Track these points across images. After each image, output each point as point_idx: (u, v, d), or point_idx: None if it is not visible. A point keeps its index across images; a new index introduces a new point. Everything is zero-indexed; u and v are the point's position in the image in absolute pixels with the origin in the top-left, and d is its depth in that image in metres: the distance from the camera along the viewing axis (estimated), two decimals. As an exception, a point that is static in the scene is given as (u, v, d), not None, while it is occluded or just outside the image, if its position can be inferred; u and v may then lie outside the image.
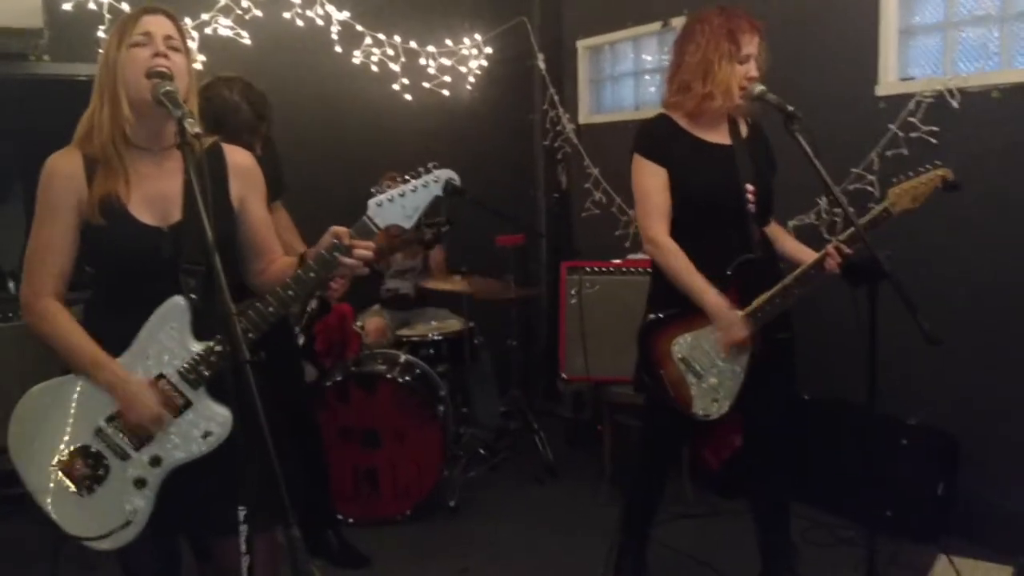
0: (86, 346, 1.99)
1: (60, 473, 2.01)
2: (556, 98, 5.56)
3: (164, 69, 1.93)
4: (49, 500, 2.01)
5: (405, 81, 5.09)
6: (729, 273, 2.78)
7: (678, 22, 4.79)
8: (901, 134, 3.65)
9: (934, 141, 3.55)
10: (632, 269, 4.16)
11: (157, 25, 1.99)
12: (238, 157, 2.17)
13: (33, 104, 4.64)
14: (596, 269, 4.15)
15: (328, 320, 3.80)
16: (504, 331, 4.83)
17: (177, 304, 2.00)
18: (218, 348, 1.97)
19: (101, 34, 4.17)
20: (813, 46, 3.93)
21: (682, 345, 2.82)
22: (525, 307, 5.23)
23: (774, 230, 3.01)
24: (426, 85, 5.20)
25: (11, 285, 4.21)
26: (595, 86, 5.64)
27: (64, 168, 2.01)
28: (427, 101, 5.22)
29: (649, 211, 2.84)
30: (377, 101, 5.08)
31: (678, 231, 2.83)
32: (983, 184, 3.37)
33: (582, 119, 5.57)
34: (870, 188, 3.78)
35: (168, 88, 1.91)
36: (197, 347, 2.00)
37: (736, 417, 2.96)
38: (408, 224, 2.03)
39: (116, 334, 2.00)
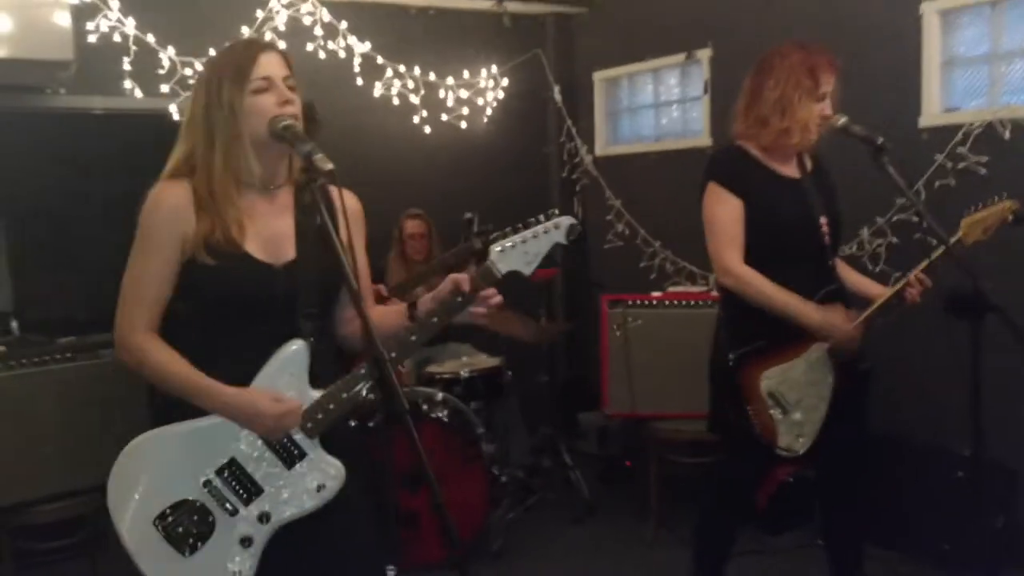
0: (191, 375, 1.87)
1: (160, 531, 1.87)
2: (573, 130, 5.52)
3: (292, 120, 1.85)
4: (147, 560, 1.87)
5: (424, 114, 5.05)
6: (818, 299, 2.74)
7: (703, 54, 4.80)
8: (948, 164, 3.65)
9: (983, 172, 3.56)
10: (674, 302, 4.10)
11: (275, 67, 1.90)
12: (350, 200, 2.04)
13: (41, 137, 4.51)
14: (638, 303, 4.08)
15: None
16: (528, 365, 4.75)
17: (299, 348, 1.91)
18: (345, 396, 1.87)
19: (127, 66, 4.05)
20: (855, 78, 3.88)
21: (771, 379, 2.75)
22: (551, 343, 5.14)
23: (836, 264, 2.98)
24: (444, 118, 5.16)
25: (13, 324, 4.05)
26: (612, 118, 5.62)
27: (171, 200, 1.89)
28: (445, 133, 5.18)
29: (724, 241, 2.79)
30: (397, 134, 5.03)
31: (755, 265, 2.77)
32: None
33: (599, 151, 5.55)
34: (915, 218, 3.76)
35: (287, 122, 1.82)
36: (315, 394, 1.89)
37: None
38: (528, 271, 1.94)
39: (226, 378, 1.88)
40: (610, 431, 5.17)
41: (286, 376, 1.90)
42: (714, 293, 4.36)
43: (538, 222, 1.94)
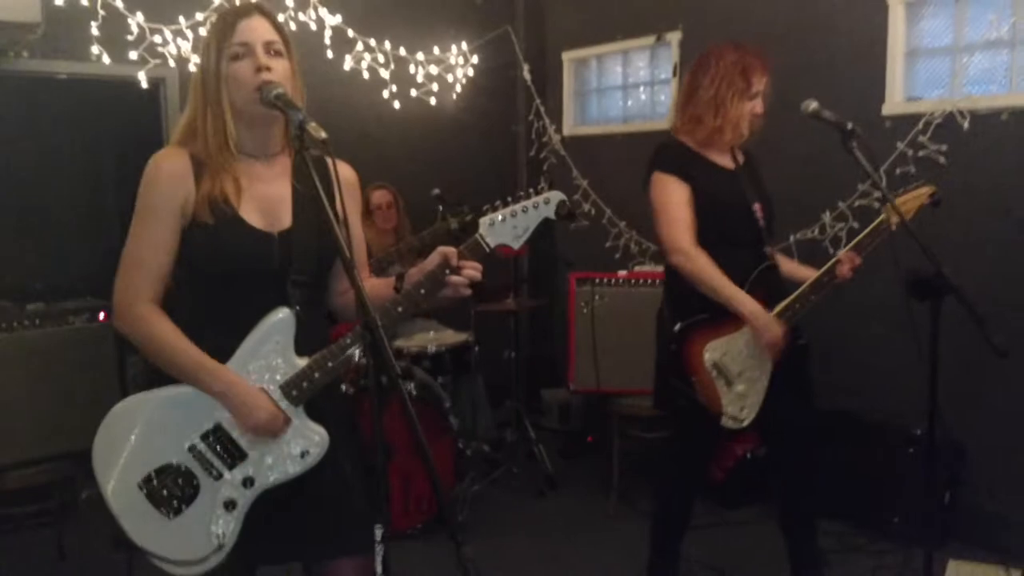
0: (191, 352, 1.86)
1: (145, 493, 1.88)
2: (541, 109, 5.56)
3: (269, 84, 1.83)
4: (130, 522, 1.88)
5: (393, 88, 5.04)
6: (753, 277, 2.86)
7: (673, 37, 4.86)
8: (909, 152, 3.76)
9: (943, 160, 3.68)
10: (640, 281, 4.18)
11: (254, 32, 1.88)
12: (345, 170, 2.04)
13: (4, 100, 4.43)
14: (605, 281, 4.15)
15: (335, 335, 3.69)
16: (494, 341, 4.80)
17: (285, 316, 1.91)
18: (331, 365, 1.89)
19: (94, 31, 3.99)
20: (821, 67, 4.02)
21: (714, 351, 2.86)
22: (517, 319, 5.19)
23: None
24: (414, 93, 5.16)
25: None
26: (580, 98, 5.66)
27: (171, 167, 1.89)
28: (414, 109, 5.18)
29: (674, 223, 2.90)
30: (366, 108, 5.01)
31: (700, 247, 2.89)
32: (993, 202, 3.51)
33: (566, 131, 5.59)
34: (876, 204, 3.88)
35: (279, 91, 1.82)
36: (300, 362, 1.91)
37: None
38: (517, 245, 1.96)
39: (213, 343, 1.89)
40: (572, 407, 5.25)
41: (271, 343, 1.91)
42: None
43: (528, 196, 1.96)
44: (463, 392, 4.46)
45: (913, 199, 2.78)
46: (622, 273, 4.30)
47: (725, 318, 2.84)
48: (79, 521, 3.68)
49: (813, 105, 2.76)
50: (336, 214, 1.71)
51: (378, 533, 1.65)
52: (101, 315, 3.46)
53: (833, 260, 2.81)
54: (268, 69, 1.86)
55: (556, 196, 1.97)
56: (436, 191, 4.36)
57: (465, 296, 1.98)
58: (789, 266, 3.09)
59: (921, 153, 3.73)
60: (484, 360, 4.68)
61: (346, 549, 1.99)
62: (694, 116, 2.92)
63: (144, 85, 4.22)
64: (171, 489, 1.88)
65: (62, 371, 3.31)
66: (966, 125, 3.60)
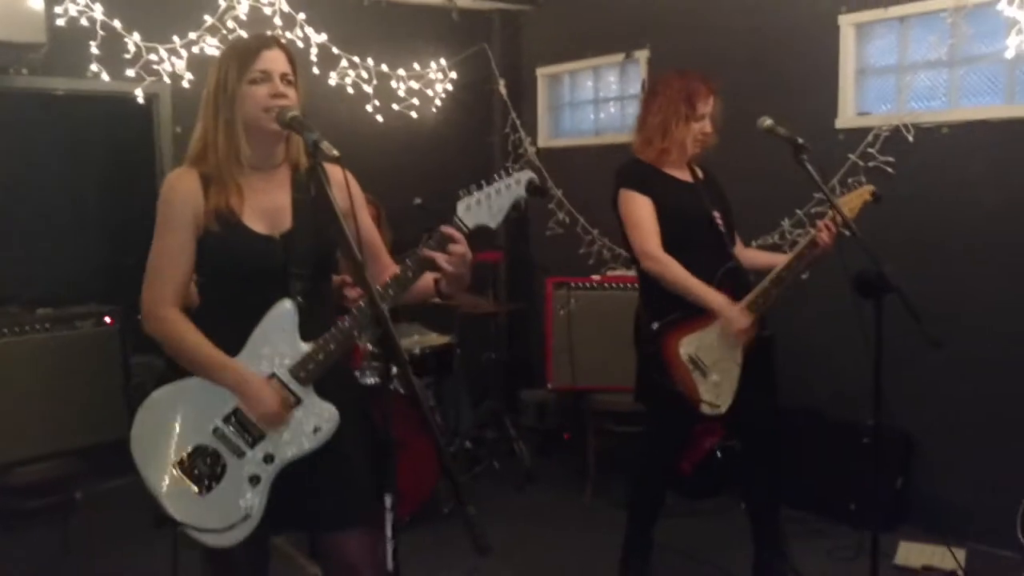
0: (209, 350, 2.10)
1: (180, 473, 2.11)
2: (517, 122, 5.82)
3: (286, 108, 2.09)
4: (171, 500, 2.11)
5: (377, 103, 5.27)
6: (719, 276, 3.14)
7: (641, 54, 5.13)
8: (861, 163, 4.05)
9: (890, 171, 3.97)
10: (613, 284, 4.43)
11: (275, 63, 2.14)
12: (336, 173, 2.20)
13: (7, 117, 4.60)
14: (580, 284, 4.41)
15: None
16: (474, 343, 5.03)
17: (287, 307, 2.15)
18: (333, 347, 2.12)
19: (94, 50, 4.19)
20: (778, 84, 4.31)
21: (688, 345, 3.12)
22: (496, 321, 5.45)
23: (738, 250, 3.36)
24: (396, 107, 5.39)
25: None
26: (553, 112, 5.93)
27: (183, 185, 2.15)
28: (396, 122, 5.41)
29: (644, 232, 3.19)
30: (350, 122, 5.23)
31: (666, 251, 3.16)
32: (936, 209, 3.81)
33: (541, 143, 5.85)
34: (830, 210, 4.16)
35: (295, 114, 2.07)
36: (305, 347, 2.14)
37: (708, 422, 3.33)
38: (494, 224, 2.10)
39: (228, 337, 2.13)
40: (548, 406, 5.48)
41: (278, 332, 2.14)
42: (649, 277, 4.72)
43: (500, 179, 2.10)
44: (446, 392, 4.68)
45: (856, 197, 3.06)
46: (596, 277, 4.55)
47: (697, 315, 3.10)
48: (83, 515, 3.86)
49: (768, 122, 3.04)
50: (343, 219, 1.94)
51: (388, 501, 1.87)
52: (107, 319, 3.67)
53: (813, 234, 3.03)
54: (284, 96, 2.12)
55: (525, 175, 2.09)
56: (418, 200, 4.58)
57: (460, 273, 2.14)
58: (751, 255, 3.39)
59: (871, 164, 4.03)
60: (465, 362, 4.91)
61: (350, 522, 2.22)
62: (646, 139, 3.24)
63: (141, 101, 4.42)
64: (201, 468, 2.11)
65: (70, 373, 3.50)
66: (911, 138, 3.90)
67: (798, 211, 4.33)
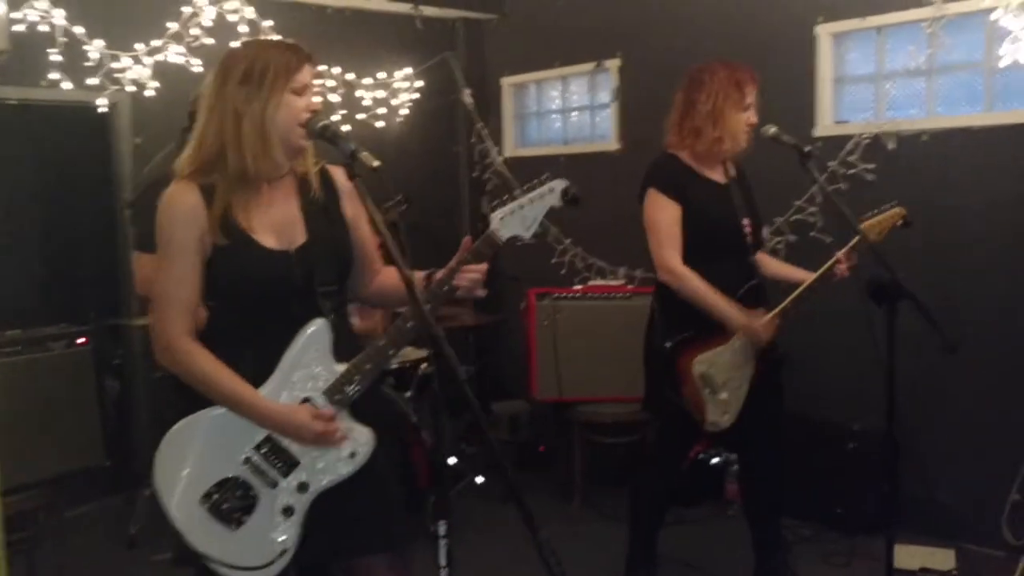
0: (229, 384, 1.98)
1: (207, 508, 1.98)
2: (483, 132, 5.76)
3: (316, 116, 2.03)
4: (195, 536, 1.98)
5: (343, 112, 5.16)
6: (740, 297, 3.08)
7: (612, 64, 5.12)
8: (840, 171, 4.10)
9: (870, 178, 4.03)
10: (595, 295, 4.40)
11: (311, 76, 2.04)
12: (342, 177, 2.16)
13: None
14: (563, 295, 4.36)
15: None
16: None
17: (320, 326, 2.04)
18: (369, 367, 2.02)
19: (55, 57, 3.99)
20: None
21: (702, 364, 3.08)
22: (475, 333, 5.38)
23: (759, 257, 3.34)
24: (360, 116, 5.29)
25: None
26: (520, 121, 5.88)
27: (185, 201, 1.99)
28: (362, 131, 5.28)
29: (664, 241, 3.11)
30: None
31: (689, 262, 3.11)
32: (917, 214, 3.85)
33: (508, 152, 5.80)
34: (811, 219, 4.22)
35: (327, 122, 1.98)
36: (340, 368, 2.03)
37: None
38: (528, 234, 2.07)
39: (252, 364, 2.01)
40: (521, 419, 5.42)
41: (311, 353, 2.03)
42: (629, 286, 4.71)
43: (533, 188, 2.07)
44: (425, 407, 4.58)
45: (886, 219, 3.05)
46: (578, 287, 4.52)
47: (712, 332, 3.05)
48: (49, 549, 3.66)
49: (773, 129, 3.04)
50: (384, 226, 1.86)
51: (442, 528, 1.79)
52: (80, 340, 3.47)
53: (832, 260, 3.01)
54: (318, 110, 2.04)
55: (560, 184, 2.06)
56: (398, 198, 4.44)
57: (478, 296, 2.14)
58: (775, 266, 3.32)
59: (851, 172, 4.08)
60: (441, 375, 4.81)
61: (383, 546, 2.13)
62: (693, 129, 3.09)
63: (103, 110, 4.23)
64: (231, 502, 1.98)
65: (41, 397, 3.30)
66: (891, 145, 3.96)
67: (778, 219, 4.35)
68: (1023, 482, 3.68)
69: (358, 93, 5.24)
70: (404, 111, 5.48)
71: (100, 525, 4.23)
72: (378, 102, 5.34)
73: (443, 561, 1.81)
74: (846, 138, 4.10)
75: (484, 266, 2.09)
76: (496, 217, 2.06)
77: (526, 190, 2.08)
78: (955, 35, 3.82)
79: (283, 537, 2.00)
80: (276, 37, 4.70)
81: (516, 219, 2.06)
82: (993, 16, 3.48)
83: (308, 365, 2.03)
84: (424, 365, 4.37)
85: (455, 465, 4.69)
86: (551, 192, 2.06)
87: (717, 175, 3.20)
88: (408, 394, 4.32)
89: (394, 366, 4.41)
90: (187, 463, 1.99)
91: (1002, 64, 3.50)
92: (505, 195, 2.10)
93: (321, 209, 2.11)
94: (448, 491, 1.88)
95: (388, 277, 2.25)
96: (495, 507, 4.47)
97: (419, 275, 2.17)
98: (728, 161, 3.24)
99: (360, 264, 2.22)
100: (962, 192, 3.82)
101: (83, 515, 4.31)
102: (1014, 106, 3.74)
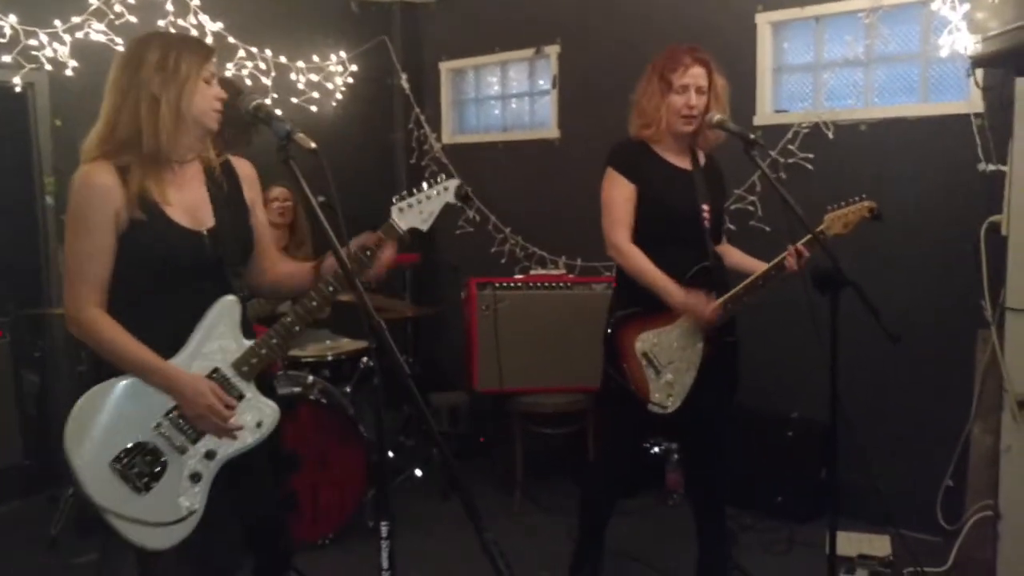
0: (136, 351, 2.05)
1: (117, 472, 2.04)
2: (421, 117, 5.65)
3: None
4: (105, 500, 2.02)
5: (275, 96, 5.00)
6: (689, 277, 3.05)
7: (551, 50, 5.06)
8: (781, 160, 4.11)
9: (810, 167, 4.05)
10: (537, 284, 4.33)
11: (215, 67, 2.21)
12: (244, 168, 2.34)
13: None
14: (504, 284, 4.29)
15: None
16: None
17: (232, 302, 2.15)
18: (275, 341, 2.14)
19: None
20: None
21: (645, 341, 3.05)
22: (415, 324, 5.27)
23: (724, 248, 3.32)
24: (295, 100, 5.13)
25: None
26: (458, 107, 5.78)
27: (100, 181, 2.06)
28: (295, 116, 5.13)
29: (613, 220, 3.08)
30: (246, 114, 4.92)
31: (641, 242, 3.07)
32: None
33: (446, 139, 5.70)
34: (751, 208, 4.22)
35: (260, 101, 1.97)
36: (247, 342, 2.17)
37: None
38: (425, 227, 2.23)
39: (163, 334, 2.09)
40: (460, 410, 5.35)
41: (221, 327, 2.14)
42: (571, 276, 4.67)
43: (430, 186, 2.23)
44: (364, 400, 4.47)
45: (854, 212, 3.00)
46: (519, 277, 4.45)
47: (659, 311, 3.02)
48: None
49: (718, 116, 3.00)
50: (326, 209, 1.86)
51: (384, 529, 1.73)
52: (-6, 332, 3.28)
53: (783, 255, 2.97)
54: (224, 101, 2.18)
55: (454, 182, 2.24)
56: (321, 198, 4.33)
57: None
58: (738, 257, 3.29)
59: (791, 160, 4.09)
60: (379, 367, 4.71)
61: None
62: (634, 119, 3.14)
63: (18, 90, 4.01)
64: (140, 467, 2.06)
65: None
66: (830, 135, 3.98)
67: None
68: (956, 468, 3.74)
69: (292, 76, 5.09)
70: (339, 96, 5.34)
71: (20, 526, 4.05)
72: (312, 85, 5.19)
73: (385, 564, 1.73)
74: (787, 127, 4.11)
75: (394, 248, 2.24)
76: (395, 209, 2.22)
77: (423, 188, 2.23)
78: (892, 26, 3.85)
79: (189, 502, 2.08)
80: (202, 16, 4.57)
81: (414, 212, 2.21)
82: (934, 6, 3.51)
83: (219, 337, 2.14)
84: (364, 359, 4.28)
85: (393, 459, 4.60)
86: (446, 190, 2.23)
87: (683, 162, 3.17)
88: (347, 388, 4.22)
89: (330, 357, 4.31)
90: (99, 427, 2.05)
91: (940, 55, 3.52)
92: (401, 192, 2.23)
93: (225, 196, 2.23)
94: (388, 489, 1.78)
95: (283, 268, 2.39)
96: (435, 503, 4.39)
97: (307, 264, 2.35)
98: (700, 151, 3.23)
99: (257, 252, 2.34)
100: (899, 182, 3.85)
101: (1, 516, 4.11)
102: (950, 97, 3.78)
